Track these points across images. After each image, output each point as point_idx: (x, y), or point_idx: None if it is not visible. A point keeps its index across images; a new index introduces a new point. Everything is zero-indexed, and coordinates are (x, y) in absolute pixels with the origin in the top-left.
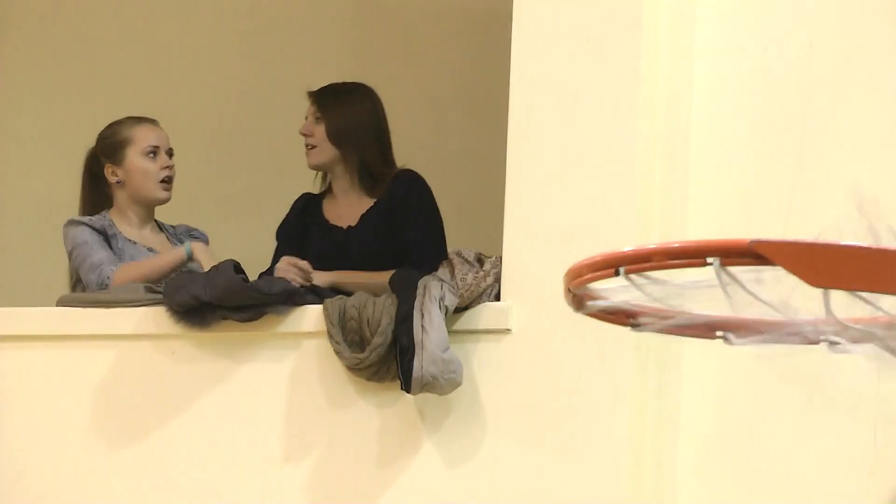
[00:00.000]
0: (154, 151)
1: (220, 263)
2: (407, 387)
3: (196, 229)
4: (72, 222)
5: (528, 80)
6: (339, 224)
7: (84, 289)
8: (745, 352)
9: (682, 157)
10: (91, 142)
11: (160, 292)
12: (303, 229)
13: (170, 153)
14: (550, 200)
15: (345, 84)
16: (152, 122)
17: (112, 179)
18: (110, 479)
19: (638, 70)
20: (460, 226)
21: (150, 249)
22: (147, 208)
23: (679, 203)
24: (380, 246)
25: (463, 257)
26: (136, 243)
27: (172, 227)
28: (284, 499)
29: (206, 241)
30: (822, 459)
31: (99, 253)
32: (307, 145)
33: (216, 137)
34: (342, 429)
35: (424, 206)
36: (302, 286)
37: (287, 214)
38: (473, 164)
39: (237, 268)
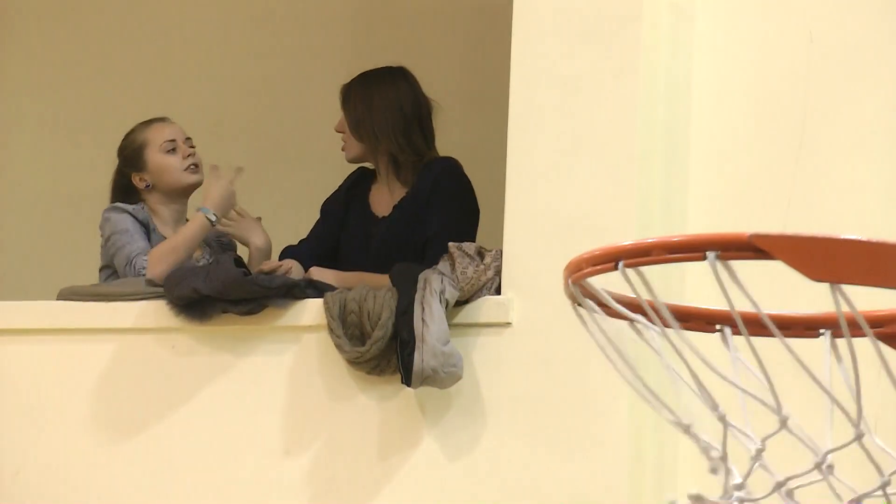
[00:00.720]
0: (173, 146)
1: (220, 256)
2: (407, 380)
3: (224, 236)
4: (115, 208)
5: (529, 74)
6: (376, 212)
7: (110, 276)
8: (745, 344)
9: (681, 151)
10: (95, 135)
11: (160, 286)
12: (346, 206)
13: (188, 143)
14: (551, 194)
15: (369, 73)
16: (162, 119)
17: (141, 185)
18: (110, 473)
19: (638, 63)
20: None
21: None
22: (181, 204)
23: (679, 197)
24: (404, 240)
25: (463, 251)
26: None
27: None
28: (285, 492)
29: (234, 249)
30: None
31: (136, 243)
32: (342, 142)
33: (219, 131)
34: (343, 422)
35: (447, 200)
36: (304, 280)
37: (339, 187)
38: (474, 158)
39: (238, 261)
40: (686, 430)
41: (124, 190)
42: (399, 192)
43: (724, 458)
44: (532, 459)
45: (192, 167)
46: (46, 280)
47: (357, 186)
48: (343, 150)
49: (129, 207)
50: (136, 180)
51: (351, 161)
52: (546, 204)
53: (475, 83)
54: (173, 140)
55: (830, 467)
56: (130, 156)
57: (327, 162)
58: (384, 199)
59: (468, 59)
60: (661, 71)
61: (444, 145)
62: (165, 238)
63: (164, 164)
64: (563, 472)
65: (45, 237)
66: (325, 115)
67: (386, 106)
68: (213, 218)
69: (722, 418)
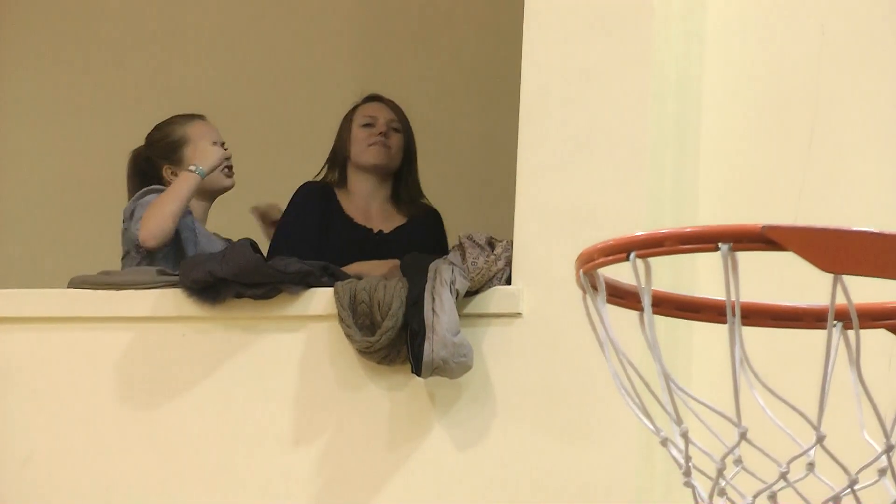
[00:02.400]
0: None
1: (237, 241)
2: (417, 370)
3: (229, 239)
4: (151, 189)
5: (540, 65)
6: (369, 225)
7: (130, 263)
8: (754, 335)
9: (693, 142)
10: (106, 122)
11: (172, 274)
12: (321, 218)
13: (223, 145)
14: (561, 185)
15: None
16: (202, 118)
17: (172, 179)
18: (119, 461)
19: (649, 55)
20: (471, 209)
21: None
22: (209, 201)
23: (690, 188)
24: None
25: (474, 241)
26: (209, 235)
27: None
28: (294, 481)
29: (252, 246)
30: (830, 445)
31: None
32: (381, 143)
33: (225, 120)
34: (352, 412)
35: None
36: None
37: (299, 203)
38: (485, 148)
39: (254, 246)
40: (662, 441)
41: (145, 178)
42: (389, 212)
43: (688, 472)
44: (542, 449)
45: (227, 170)
46: (57, 268)
47: (324, 201)
48: (378, 150)
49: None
50: (167, 174)
51: (379, 167)
52: (557, 195)
53: (486, 73)
54: (214, 142)
55: (810, 466)
56: (166, 148)
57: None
58: (367, 212)
59: (480, 49)
60: (673, 63)
61: (455, 136)
62: (200, 225)
63: None
64: (572, 462)
65: (55, 225)
66: (331, 105)
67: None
68: (201, 172)
69: (684, 434)
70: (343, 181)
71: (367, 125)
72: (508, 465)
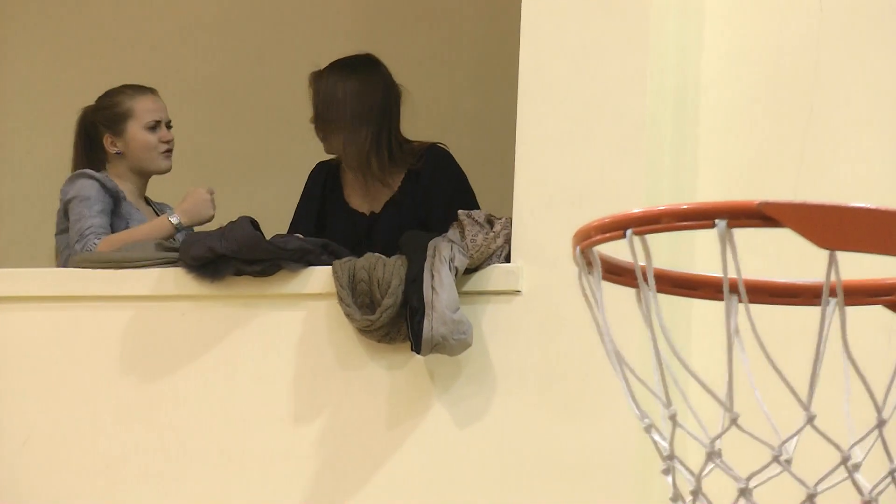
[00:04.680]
0: (156, 125)
1: (237, 218)
2: (417, 348)
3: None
4: (83, 174)
5: (538, 42)
6: (362, 210)
7: (64, 255)
8: (753, 312)
9: (691, 119)
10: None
11: (173, 249)
12: (321, 203)
13: (168, 125)
14: (560, 162)
15: (339, 63)
16: (152, 92)
17: (112, 150)
18: (119, 441)
19: (647, 32)
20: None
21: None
22: (144, 179)
23: (689, 165)
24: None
25: (473, 218)
26: (139, 210)
27: (158, 203)
28: (294, 459)
29: (252, 223)
30: (830, 423)
31: (94, 218)
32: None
33: (218, 100)
34: (352, 390)
35: (452, 188)
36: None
37: (307, 187)
38: (483, 126)
39: (254, 223)
40: (647, 428)
41: (87, 140)
42: (383, 188)
43: (671, 457)
44: (541, 427)
45: (167, 153)
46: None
47: (326, 183)
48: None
49: (100, 175)
50: (107, 143)
51: (327, 151)
52: (556, 172)
53: (485, 51)
54: (158, 121)
55: (787, 460)
56: (110, 117)
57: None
58: (363, 192)
59: (478, 26)
60: (671, 39)
61: (453, 113)
62: (135, 209)
63: (142, 140)
64: (572, 439)
65: (54, 204)
66: None
67: (344, 100)
68: (177, 223)
69: (672, 417)
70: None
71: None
72: (508, 442)
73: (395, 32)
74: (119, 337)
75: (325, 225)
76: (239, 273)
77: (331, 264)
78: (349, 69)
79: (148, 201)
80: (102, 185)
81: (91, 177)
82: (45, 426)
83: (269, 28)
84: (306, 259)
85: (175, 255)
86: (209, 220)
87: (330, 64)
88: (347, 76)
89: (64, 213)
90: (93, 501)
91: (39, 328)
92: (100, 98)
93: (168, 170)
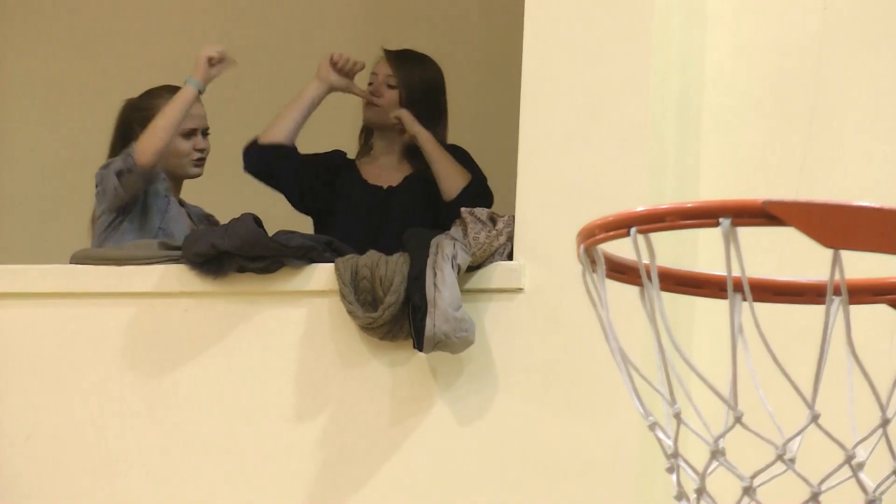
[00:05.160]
0: (191, 132)
1: (240, 215)
2: (419, 345)
3: (212, 215)
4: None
5: (542, 41)
6: (379, 183)
7: (108, 227)
8: (757, 311)
9: (694, 118)
10: (106, 97)
11: (175, 247)
12: (330, 176)
13: (205, 132)
14: (563, 160)
15: (418, 53)
16: None
17: None
18: (122, 437)
19: (651, 30)
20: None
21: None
22: (177, 182)
23: (692, 164)
24: (423, 209)
25: (475, 216)
26: (182, 211)
27: (193, 206)
28: (296, 457)
29: (255, 220)
30: (834, 421)
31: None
32: (371, 102)
33: (223, 95)
34: (354, 387)
35: (473, 191)
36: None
37: (320, 154)
38: (486, 124)
39: (256, 220)
40: (651, 426)
41: (122, 135)
42: (403, 166)
43: (675, 455)
44: (543, 425)
45: (199, 161)
46: (58, 244)
47: (340, 169)
48: (368, 108)
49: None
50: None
51: (372, 123)
52: (558, 170)
53: (488, 49)
54: (194, 129)
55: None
56: (146, 119)
57: (333, 128)
58: (383, 171)
59: (481, 25)
60: (675, 39)
61: (457, 111)
62: (173, 202)
63: (175, 147)
64: (574, 438)
65: (57, 201)
66: None
67: (434, 91)
68: (198, 85)
69: (676, 415)
70: (368, 147)
71: (370, 84)
72: (510, 440)
73: (398, 30)
74: (121, 333)
75: (337, 196)
76: (241, 270)
77: (333, 261)
78: (421, 63)
79: (181, 203)
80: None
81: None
82: (48, 423)
83: (272, 25)
84: (309, 256)
85: (178, 252)
86: (215, 74)
87: (405, 50)
88: (421, 68)
89: (96, 196)
90: (95, 498)
91: (42, 325)
92: (141, 96)
93: (198, 176)
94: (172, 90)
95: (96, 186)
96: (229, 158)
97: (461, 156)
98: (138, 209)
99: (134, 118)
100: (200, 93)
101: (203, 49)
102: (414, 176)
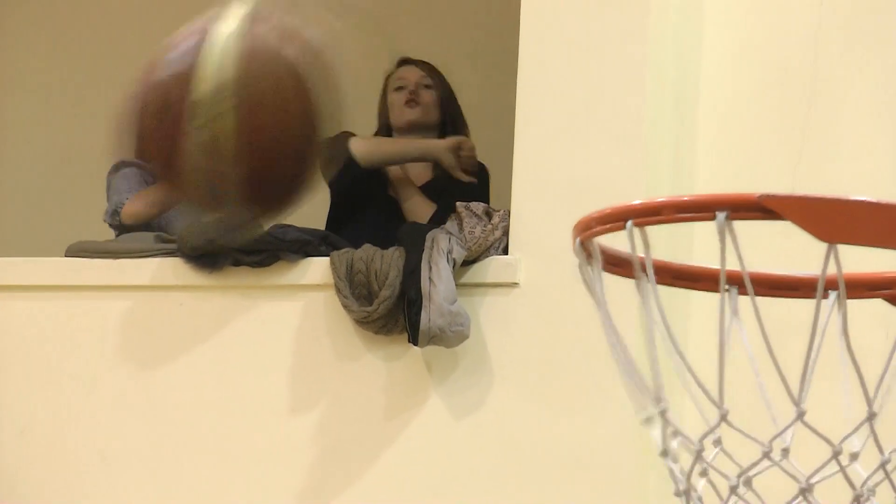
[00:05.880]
0: None
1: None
2: (414, 339)
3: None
4: (124, 164)
5: (538, 35)
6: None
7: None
8: (750, 304)
9: (691, 112)
10: (103, 91)
11: (170, 240)
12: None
13: None
14: (559, 155)
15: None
16: None
17: None
18: (116, 430)
19: (647, 24)
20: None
21: None
22: None
23: (688, 158)
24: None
25: (471, 210)
26: None
27: None
28: (291, 450)
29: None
30: (830, 416)
31: (120, 195)
32: (411, 101)
33: None
34: (349, 381)
35: (481, 189)
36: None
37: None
38: (482, 119)
39: None
40: (646, 421)
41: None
42: (421, 172)
43: (664, 454)
44: (538, 419)
45: None
46: (55, 237)
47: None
48: (410, 108)
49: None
50: None
51: (414, 123)
52: (554, 164)
53: (484, 44)
54: None
55: (786, 451)
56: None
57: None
58: (408, 171)
59: (478, 20)
60: (671, 33)
61: None
62: None
63: None
64: (569, 432)
65: (53, 194)
66: None
67: (455, 98)
68: None
69: (663, 413)
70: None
71: (399, 88)
72: (505, 434)
73: (394, 26)
74: (117, 326)
75: (362, 195)
76: (237, 263)
77: (329, 255)
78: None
79: None
80: (140, 169)
81: (130, 164)
82: (42, 416)
83: None
84: (304, 250)
85: (174, 245)
86: None
87: (406, 57)
88: (445, 78)
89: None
90: (89, 490)
91: (37, 318)
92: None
93: None
94: None
95: (107, 190)
96: None
97: (482, 180)
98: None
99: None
100: None
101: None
102: (435, 180)
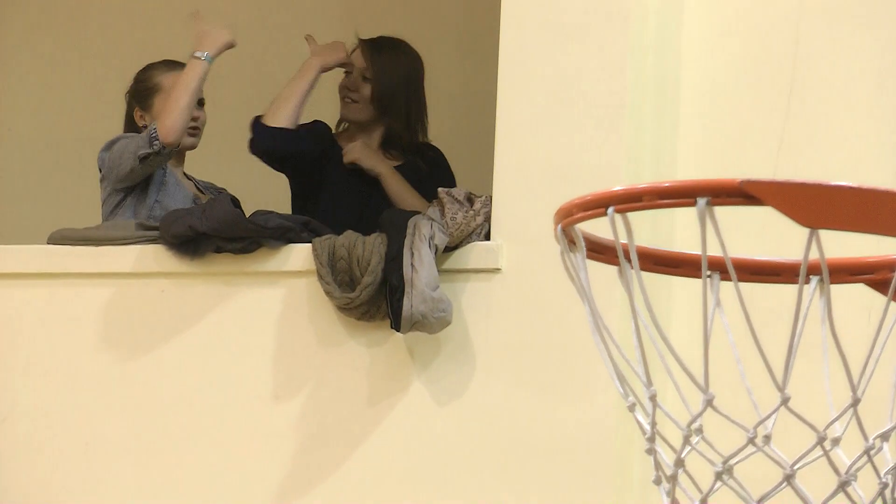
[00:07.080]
0: None
1: (217, 196)
2: (397, 325)
3: (224, 189)
4: (121, 137)
5: (519, 21)
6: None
7: (115, 206)
8: (734, 291)
9: (672, 97)
10: (89, 79)
11: (153, 227)
12: (321, 160)
13: (201, 103)
14: (541, 140)
15: (395, 40)
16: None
17: (140, 123)
18: (99, 418)
19: (628, 10)
20: (450, 165)
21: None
22: (178, 155)
23: (669, 144)
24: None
25: (453, 196)
26: (180, 183)
27: (202, 182)
28: (273, 437)
29: (233, 201)
30: (814, 401)
31: (136, 138)
32: (347, 98)
33: (220, 76)
34: (332, 368)
35: (446, 178)
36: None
37: (319, 126)
38: (464, 104)
39: (234, 201)
40: (630, 406)
41: (128, 118)
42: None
43: (652, 438)
44: (521, 404)
45: (193, 129)
46: (36, 224)
47: (330, 142)
48: (346, 105)
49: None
50: (136, 116)
51: (351, 121)
52: (536, 150)
53: (466, 29)
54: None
55: (767, 438)
56: (140, 91)
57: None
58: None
59: (458, 5)
60: (652, 18)
61: (434, 91)
62: (177, 180)
63: None
64: (552, 417)
65: (36, 181)
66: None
67: (407, 83)
68: (209, 59)
69: (652, 398)
70: (348, 132)
71: (346, 73)
72: (488, 420)
73: (375, 12)
74: (98, 314)
75: (321, 181)
76: (219, 250)
77: (311, 242)
78: (395, 51)
79: (188, 176)
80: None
81: (127, 138)
82: (24, 404)
83: (248, 6)
84: (286, 237)
85: (155, 233)
86: (231, 43)
87: (381, 39)
88: (395, 58)
89: (102, 179)
90: (72, 478)
91: (18, 305)
92: (138, 71)
93: (192, 147)
94: (167, 63)
95: (100, 169)
96: (222, 150)
97: (436, 157)
98: (139, 184)
99: (130, 91)
100: (209, 64)
101: (220, 31)
102: (399, 168)
